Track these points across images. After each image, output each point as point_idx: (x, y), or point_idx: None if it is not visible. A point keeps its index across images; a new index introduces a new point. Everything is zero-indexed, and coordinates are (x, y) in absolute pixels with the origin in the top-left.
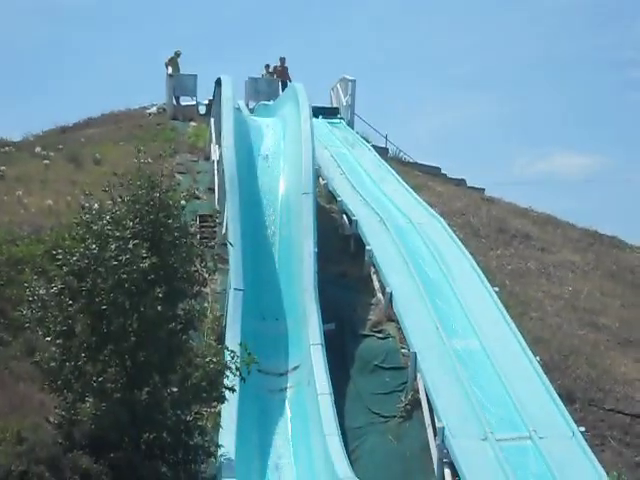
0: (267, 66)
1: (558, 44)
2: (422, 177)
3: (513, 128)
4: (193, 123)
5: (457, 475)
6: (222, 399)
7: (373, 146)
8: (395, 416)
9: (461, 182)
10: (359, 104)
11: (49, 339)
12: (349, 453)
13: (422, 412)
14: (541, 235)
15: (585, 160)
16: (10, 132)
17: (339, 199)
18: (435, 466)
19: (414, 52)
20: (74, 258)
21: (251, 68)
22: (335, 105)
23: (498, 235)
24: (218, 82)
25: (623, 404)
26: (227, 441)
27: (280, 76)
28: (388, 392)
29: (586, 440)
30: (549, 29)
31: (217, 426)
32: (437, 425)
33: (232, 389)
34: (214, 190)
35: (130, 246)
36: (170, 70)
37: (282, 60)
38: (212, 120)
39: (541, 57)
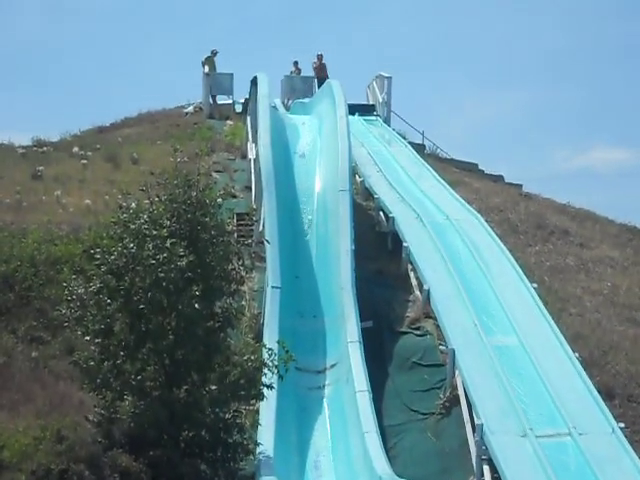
0: (296, 63)
1: (594, 34)
2: (459, 173)
3: (550, 123)
4: (230, 122)
5: (496, 472)
6: (260, 397)
7: (410, 143)
8: (434, 413)
9: (498, 178)
10: (395, 101)
11: (88, 338)
12: (388, 450)
13: (461, 409)
14: (579, 231)
15: (624, 154)
16: (48, 132)
17: (376, 196)
18: (474, 463)
19: (449, 48)
20: (112, 257)
21: (287, 66)
22: (371, 102)
23: (536, 231)
24: (254, 80)
25: None
26: (266, 439)
27: (318, 73)
28: (426, 389)
29: (626, 436)
30: (583, 18)
31: (256, 424)
32: (476, 422)
33: (270, 387)
34: (251, 188)
35: (167, 245)
36: (207, 69)
37: (320, 57)
38: (248, 118)
39: (577, 49)
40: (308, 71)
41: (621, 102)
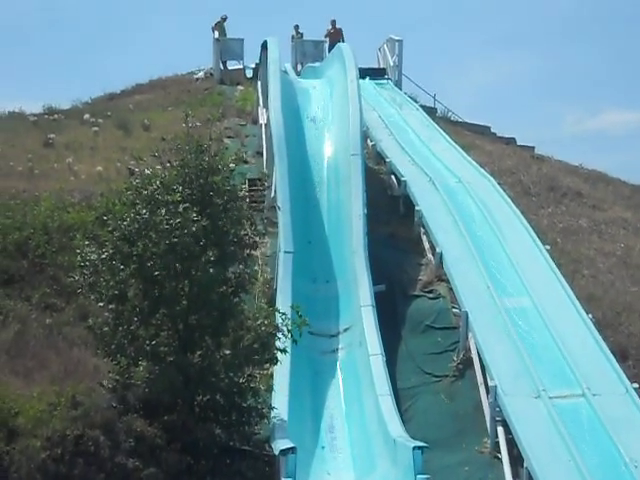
0: (296, 27)
1: None
2: (471, 136)
3: (562, 85)
4: (240, 87)
5: (510, 433)
6: (274, 361)
7: (421, 106)
8: (447, 375)
9: (511, 141)
10: (406, 64)
11: (101, 304)
12: (402, 413)
13: (474, 371)
14: (592, 192)
15: (635, 116)
16: (59, 100)
17: (387, 160)
18: (488, 424)
19: (460, 10)
20: (125, 223)
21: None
22: (382, 66)
23: (549, 193)
24: (264, 45)
25: None
26: (280, 403)
27: (333, 39)
28: (440, 352)
29: (639, 396)
30: None
31: (270, 388)
32: (489, 384)
33: (284, 351)
34: (262, 154)
35: (180, 210)
36: (217, 34)
37: (333, 22)
38: (259, 84)
39: (588, 11)
40: (311, 35)
41: (632, 64)
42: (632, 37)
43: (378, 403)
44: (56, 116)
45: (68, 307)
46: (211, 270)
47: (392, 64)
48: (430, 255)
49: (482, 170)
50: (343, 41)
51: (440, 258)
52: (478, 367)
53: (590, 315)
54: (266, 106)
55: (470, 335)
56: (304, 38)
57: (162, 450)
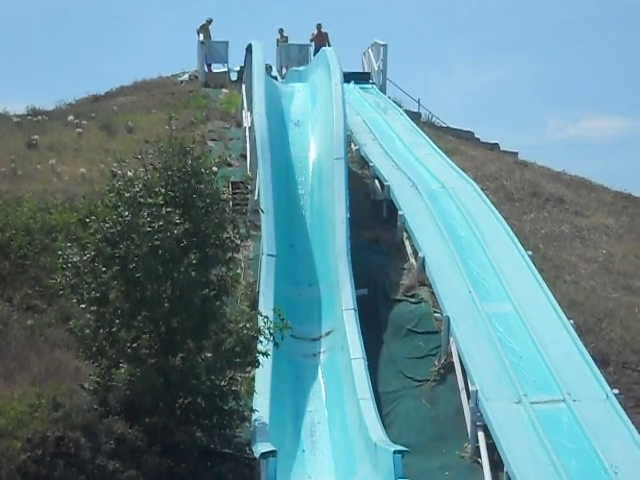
0: (281, 30)
1: (588, 3)
2: (455, 141)
3: (545, 91)
4: (225, 90)
5: (490, 438)
6: (256, 364)
7: (405, 111)
8: (429, 380)
9: (494, 146)
10: (391, 69)
11: (83, 306)
12: (383, 417)
13: (455, 376)
14: (575, 198)
15: (618, 122)
16: (43, 101)
17: (371, 164)
18: (469, 429)
19: (445, 15)
20: (107, 225)
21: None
22: (367, 70)
23: (532, 199)
24: (249, 48)
25: None
26: (261, 406)
27: (319, 42)
28: (421, 356)
29: (620, 403)
30: None
31: (251, 391)
32: (470, 389)
33: (266, 354)
34: (246, 157)
35: (163, 213)
36: (201, 37)
37: (319, 26)
38: (243, 87)
39: (571, 18)
40: (296, 39)
41: (615, 72)
42: (615, 44)
43: (359, 407)
44: (40, 117)
45: (50, 309)
46: (193, 273)
47: (377, 68)
48: (413, 260)
49: (465, 175)
50: (329, 45)
51: (422, 263)
52: (459, 372)
53: (571, 321)
54: (250, 109)
55: (451, 340)
56: (289, 42)
57: (143, 452)
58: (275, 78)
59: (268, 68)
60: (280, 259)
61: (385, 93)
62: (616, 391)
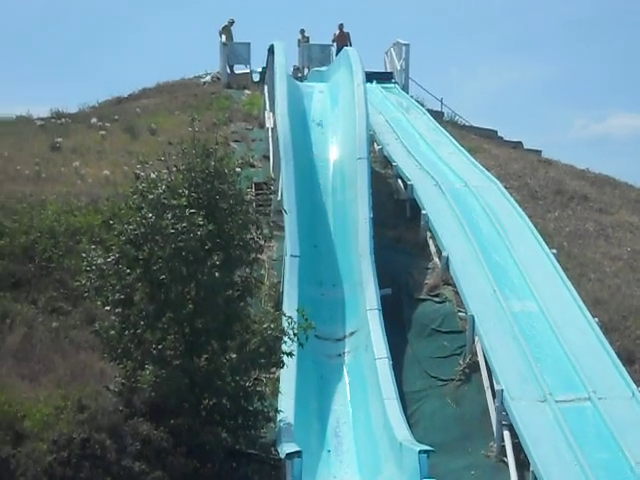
0: (302, 31)
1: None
2: (478, 140)
3: (569, 90)
4: (247, 91)
5: (516, 437)
6: (280, 365)
7: (428, 110)
8: (453, 379)
9: (518, 145)
10: (413, 68)
11: (108, 308)
12: (408, 417)
13: (480, 375)
14: (599, 196)
15: None
16: (66, 104)
17: (394, 164)
18: (494, 429)
19: (467, 14)
20: (131, 227)
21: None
22: (389, 70)
23: (555, 197)
24: (271, 49)
25: None
26: (286, 406)
27: (340, 42)
28: (446, 356)
29: None
30: None
31: (276, 392)
32: (496, 388)
33: (290, 354)
34: (269, 158)
35: (187, 214)
36: (224, 39)
37: (341, 26)
38: (266, 87)
39: (596, 15)
40: (318, 39)
41: (638, 69)
42: (637, 40)
43: (384, 407)
44: (63, 120)
45: (74, 311)
46: (217, 274)
47: (399, 68)
48: (436, 259)
49: (489, 174)
50: (350, 45)
51: (446, 262)
52: (484, 371)
53: (596, 319)
54: (273, 110)
55: (476, 339)
56: (310, 42)
57: (168, 454)
58: (300, 79)
59: (295, 70)
60: (303, 259)
61: (407, 92)
62: None
